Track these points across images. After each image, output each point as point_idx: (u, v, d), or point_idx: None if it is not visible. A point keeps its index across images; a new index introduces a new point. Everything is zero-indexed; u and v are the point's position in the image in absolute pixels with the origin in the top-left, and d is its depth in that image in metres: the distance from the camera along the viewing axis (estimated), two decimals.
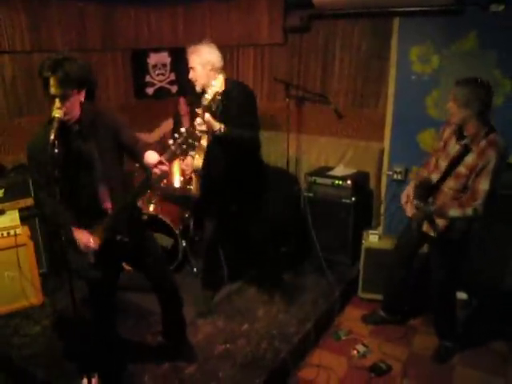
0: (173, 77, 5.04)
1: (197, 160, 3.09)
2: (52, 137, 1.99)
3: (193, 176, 3.28)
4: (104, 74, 4.52)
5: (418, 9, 3.62)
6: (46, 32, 3.87)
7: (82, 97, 2.23)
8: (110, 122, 2.39)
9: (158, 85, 5.02)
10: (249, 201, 3.33)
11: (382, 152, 4.14)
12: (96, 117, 2.34)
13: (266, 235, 3.53)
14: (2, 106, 3.75)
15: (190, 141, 2.16)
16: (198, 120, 2.81)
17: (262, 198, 3.43)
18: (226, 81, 3.10)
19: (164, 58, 4.95)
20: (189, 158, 3.28)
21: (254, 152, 3.27)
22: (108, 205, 2.37)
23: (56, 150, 2.01)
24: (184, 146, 2.16)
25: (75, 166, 2.26)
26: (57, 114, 2.07)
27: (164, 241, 3.89)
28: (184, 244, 3.89)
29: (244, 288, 3.74)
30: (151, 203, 3.98)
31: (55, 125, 2.04)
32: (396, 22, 3.81)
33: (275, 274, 3.76)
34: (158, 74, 4.99)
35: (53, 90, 2.08)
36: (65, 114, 2.13)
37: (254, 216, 3.41)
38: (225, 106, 2.97)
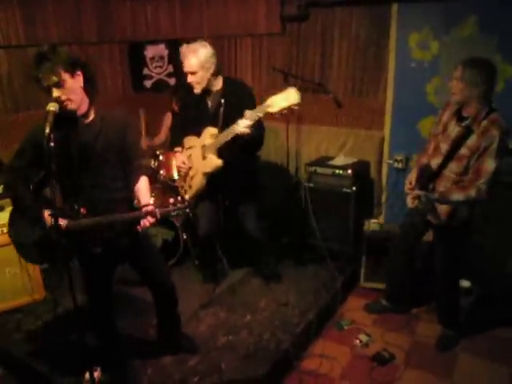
0: (171, 69, 5.01)
1: (214, 160, 2.98)
2: (47, 130, 1.93)
3: (196, 177, 3.17)
4: (101, 67, 4.49)
5: None
6: (42, 25, 3.84)
7: (79, 82, 2.16)
8: (121, 120, 2.36)
9: (156, 77, 5.00)
10: (246, 194, 3.31)
11: (382, 140, 4.10)
12: (106, 113, 2.31)
13: (262, 227, 3.49)
14: None
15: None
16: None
17: (258, 191, 3.42)
18: (225, 80, 3.09)
19: (161, 50, 4.92)
20: (179, 154, 3.23)
21: (257, 148, 3.24)
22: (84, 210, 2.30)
23: (52, 144, 1.96)
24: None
25: (76, 160, 2.22)
26: (51, 107, 2.02)
27: (165, 234, 3.88)
28: (185, 236, 3.87)
29: (246, 279, 3.74)
30: (151, 196, 3.95)
31: (50, 118, 1.98)
32: (394, 8, 3.76)
33: (276, 265, 3.75)
34: (155, 67, 4.96)
35: (45, 82, 2.05)
36: (66, 102, 2.10)
37: (251, 208, 3.37)
38: (227, 108, 2.95)
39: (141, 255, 2.58)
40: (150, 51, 4.88)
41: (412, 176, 2.98)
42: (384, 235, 3.60)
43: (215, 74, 3.01)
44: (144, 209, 2.29)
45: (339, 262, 3.86)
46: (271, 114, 2.65)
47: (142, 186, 2.44)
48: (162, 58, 4.93)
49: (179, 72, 4.90)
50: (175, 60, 4.89)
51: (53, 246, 2.24)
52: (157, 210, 2.25)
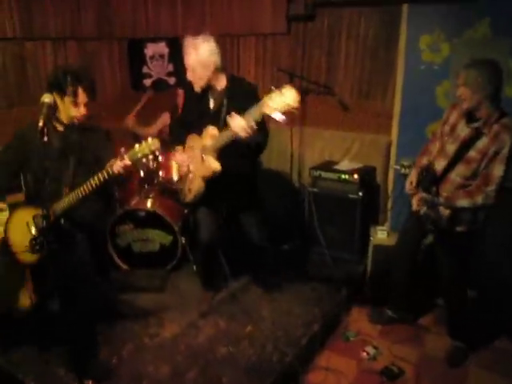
0: (171, 68, 4.87)
1: (212, 163, 2.80)
2: (41, 123, 1.96)
3: (196, 178, 2.99)
4: (100, 64, 4.37)
5: None
6: (39, 18, 3.69)
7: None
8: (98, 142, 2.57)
9: (156, 76, 4.86)
10: (246, 200, 3.15)
11: (389, 145, 3.98)
12: (90, 129, 2.53)
13: (264, 234, 3.30)
14: None
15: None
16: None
17: (260, 198, 3.27)
18: (228, 78, 2.92)
19: (162, 48, 4.78)
20: (179, 153, 3.07)
21: (257, 152, 3.06)
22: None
23: (46, 138, 1.98)
24: None
25: (53, 160, 2.37)
26: (46, 98, 2.11)
27: (162, 238, 3.73)
28: (183, 241, 3.72)
29: (247, 287, 3.57)
30: (149, 198, 3.81)
31: (44, 110, 2.02)
32: (405, 9, 3.64)
33: (279, 273, 3.59)
34: (155, 65, 4.83)
35: (80, 99, 2.33)
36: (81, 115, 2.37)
37: (253, 215, 3.22)
38: (229, 107, 2.77)
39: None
40: (150, 49, 4.74)
41: (412, 176, 2.90)
42: (391, 243, 3.46)
43: (218, 72, 2.85)
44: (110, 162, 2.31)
45: (344, 270, 3.72)
46: (267, 115, 2.45)
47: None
48: (162, 56, 4.80)
49: (179, 71, 4.82)
50: (176, 59, 4.74)
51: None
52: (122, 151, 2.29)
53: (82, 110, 2.36)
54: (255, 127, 2.52)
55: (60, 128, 2.44)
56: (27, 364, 2.71)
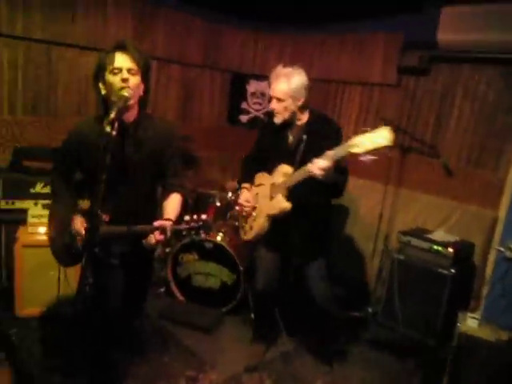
0: (270, 108, 4.77)
1: (282, 201, 2.55)
2: (112, 115, 1.81)
3: (259, 218, 2.75)
4: (200, 93, 4.37)
5: None
6: (150, 39, 3.80)
7: (141, 89, 2.11)
8: (163, 131, 2.25)
9: (253, 113, 4.78)
10: (315, 247, 2.79)
11: (494, 222, 3.44)
12: (150, 124, 2.20)
13: (329, 292, 2.90)
14: None
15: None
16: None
17: (328, 251, 2.91)
18: (311, 113, 2.68)
19: (264, 86, 4.71)
20: (245, 192, 2.85)
21: (334, 195, 2.74)
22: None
23: (114, 133, 1.82)
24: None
25: (114, 168, 2.00)
26: (125, 92, 1.95)
27: (225, 275, 3.50)
28: (246, 286, 3.44)
29: (302, 350, 3.18)
30: (220, 231, 3.62)
31: (120, 104, 1.89)
32: None
33: (341, 342, 3.15)
34: (254, 103, 4.76)
35: (119, 63, 1.98)
36: (132, 90, 2.01)
37: (320, 267, 2.83)
38: (308, 145, 2.53)
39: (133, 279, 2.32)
40: (253, 86, 4.70)
41: None
42: (482, 335, 2.90)
43: (303, 108, 2.62)
44: (156, 222, 2.05)
45: (418, 354, 3.20)
46: (356, 154, 2.14)
47: (170, 203, 2.25)
48: (263, 94, 4.73)
49: None
50: None
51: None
52: (169, 225, 2.02)
53: (125, 74, 1.98)
54: (332, 168, 2.25)
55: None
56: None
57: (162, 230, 2.00)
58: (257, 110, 4.78)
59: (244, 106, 4.74)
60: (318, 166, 2.24)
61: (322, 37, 4.32)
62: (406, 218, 3.93)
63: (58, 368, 2.58)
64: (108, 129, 1.79)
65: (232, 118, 4.73)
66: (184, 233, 2.09)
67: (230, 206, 3.82)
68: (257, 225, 2.74)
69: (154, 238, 2.03)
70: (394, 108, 3.96)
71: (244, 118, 4.78)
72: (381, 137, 2.06)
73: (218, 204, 3.83)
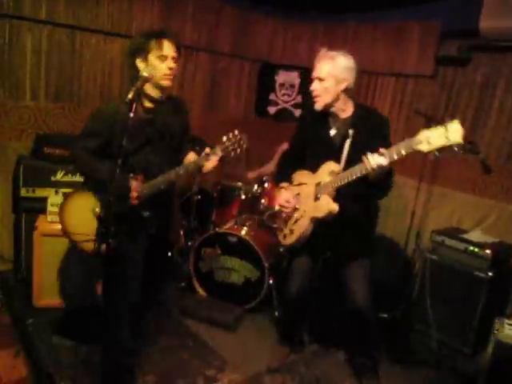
0: (299, 99, 4.64)
1: (329, 203, 2.35)
2: (130, 96, 1.90)
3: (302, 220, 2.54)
4: (228, 83, 4.26)
5: None
6: (177, 23, 3.69)
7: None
8: (185, 108, 2.47)
9: (282, 105, 4.65)
10: (358, 247, 2.59)
11: None
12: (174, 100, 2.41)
13: (369, 296, 2.65)
14: None
15: None
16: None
17: (372, 251, 2.72)
18: (356, 106, 2.48)
19: (293, 77, 4.57)
20: (284, 192, 2.65)
21: (381, 195, 2.56)
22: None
23: (131, 114, 1.92)
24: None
25: (144, 137, 2.22)
26: (144, 72, 2.05)
27: (248, 271, 3.38)
28: (271, 281, 3.32)
29: (330, 353, 3.04)
30: (245, 225, 3.51)
31: (139, 84, 1.98)
32: None
33: (372, 346, 2.87)
34: (283, 94, 4.62)
35: (166, 51, 2.12)
36: (173, 77, 2.18)
37: (364, 274, 2.63)
38: (355, 140, 2.34)
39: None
40: (282, 77, 4.56)
41: None
42: None
43: (347, 96, 2.43)
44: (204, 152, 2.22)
45: (451, 361, 3.04)
46: (424, 152, 1.96)
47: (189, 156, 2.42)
48: (292, 86, 4.58)
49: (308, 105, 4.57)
50: (306, 91, 4.50)
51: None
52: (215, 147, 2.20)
53: (171, 63, 2.13)
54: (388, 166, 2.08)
55: (148, 104, 2.24)
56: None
57: (213, 151, 2.18)
58: (285, 102, 4.63)
59: (272, 97, 4.60)
60: (377, 163, 2.06)
61: (354, 26, 4.15)
62: (440, 217, 3.74)
63: (73, 360, 2.53)
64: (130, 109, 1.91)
65: (259, 109, 4.60)
66: (230, 148, 2.19)
67: (255, 199, 3.69)
68: (299, 228, 2.53)
69: (212, 162, 2.22)
70: (429, 100, 3.77)
71: (272, 110, 4.64)
72: (453, 132, 1.88)
73: (243, 197, 3.72)
